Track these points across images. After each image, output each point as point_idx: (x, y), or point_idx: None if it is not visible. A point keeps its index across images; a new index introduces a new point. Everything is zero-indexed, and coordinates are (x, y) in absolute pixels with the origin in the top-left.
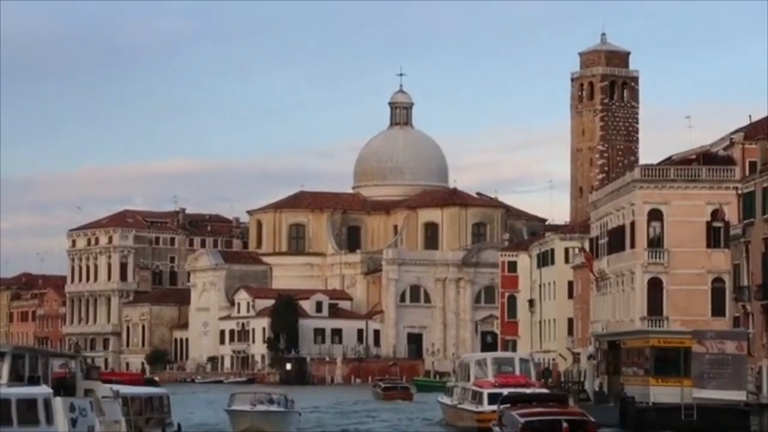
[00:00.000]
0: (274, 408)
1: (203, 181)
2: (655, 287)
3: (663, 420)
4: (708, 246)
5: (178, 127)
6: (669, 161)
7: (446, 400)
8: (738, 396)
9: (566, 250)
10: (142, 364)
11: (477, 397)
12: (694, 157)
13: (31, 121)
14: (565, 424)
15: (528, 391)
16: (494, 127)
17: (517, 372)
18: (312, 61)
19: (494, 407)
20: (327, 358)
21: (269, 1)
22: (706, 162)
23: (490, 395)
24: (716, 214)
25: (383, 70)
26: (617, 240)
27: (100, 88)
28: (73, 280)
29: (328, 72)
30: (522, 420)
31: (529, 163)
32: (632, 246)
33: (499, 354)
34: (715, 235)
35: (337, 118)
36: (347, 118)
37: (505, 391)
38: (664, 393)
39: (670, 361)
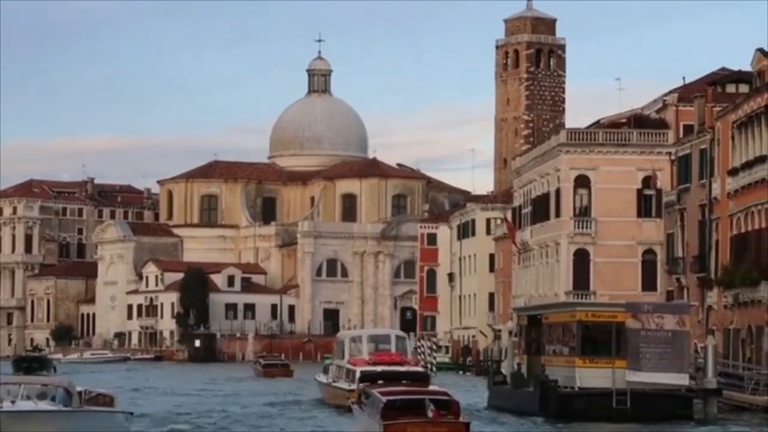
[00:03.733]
0: (44, 406)
1: (129, 158)
2: (581, 259)
3: (591, 407)
4: (639, 215)
5: (106, 103)
6: (597, 125)
7: (323, 378)
8: (679, 380)
9: (488, 221)
10: (47, 340)
11: (350, 375)
12: (624, 120)
13: None
14: (431, 406)
15: (379, 369)
16: (418, 101)
17: (393, 349)
18: (229, 29)
19: None
20: (238, 335)
21: None
22: (637, 125)
23: (362, 373)
24: (648, 181)
25: (301, 36)
26: (541, 209)
27: (26, 64)
28: None
29: (246, 40)
30: (384, 399)
31: (454, 141)
32: (557, 215)
33: (375, 330)
34: (647, 203)
35: (254, 87)
36: (265, 87)
37: (379, 369)
38: (592, 376)
39: (599, 339)
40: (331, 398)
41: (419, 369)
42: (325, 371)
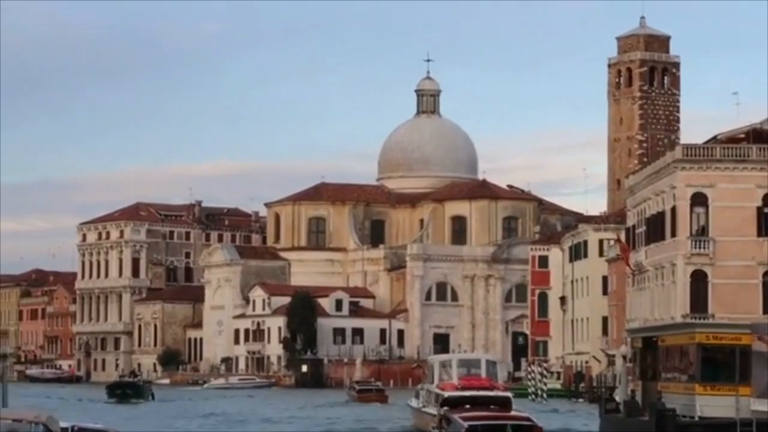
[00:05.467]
0: None
1: (238, 182)
2: (698, 281)
3: None
4: (759, 234)
5: (216, 129)
6: (715, 140)
7: (414, 403)
8: None
9: (600, 242)
10: (154, 365)
11: (438, 400)
12: (742, 135)
13: (74, 123)
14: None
15: (468, 393)
16: (527, 121)
17: (483, 374)
18: (336, 51)
19: None
20: (346, 360)
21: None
22: (757, 140)
23: (446, 397)
24: None
25: (410, 57)
26: (656, 229)
27: (138, 91)
28: (83, 276)
29: (354, 62)
30: (466, 424)
31: (566, 164)
32: (673, 235)
33: (465, 355)
34: (767, 221)
35: (362, 109)
36: (373, 109)
37: (468, 394)
38: (713, 404)
39: (721, 364)
40: (421, 423)
41: (503, 393)
42: (417, 396)
